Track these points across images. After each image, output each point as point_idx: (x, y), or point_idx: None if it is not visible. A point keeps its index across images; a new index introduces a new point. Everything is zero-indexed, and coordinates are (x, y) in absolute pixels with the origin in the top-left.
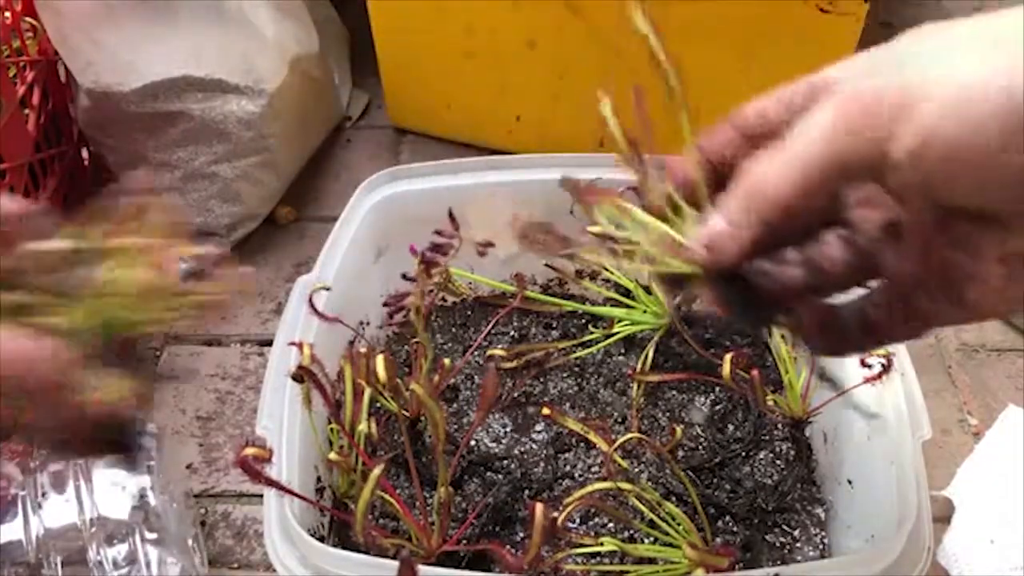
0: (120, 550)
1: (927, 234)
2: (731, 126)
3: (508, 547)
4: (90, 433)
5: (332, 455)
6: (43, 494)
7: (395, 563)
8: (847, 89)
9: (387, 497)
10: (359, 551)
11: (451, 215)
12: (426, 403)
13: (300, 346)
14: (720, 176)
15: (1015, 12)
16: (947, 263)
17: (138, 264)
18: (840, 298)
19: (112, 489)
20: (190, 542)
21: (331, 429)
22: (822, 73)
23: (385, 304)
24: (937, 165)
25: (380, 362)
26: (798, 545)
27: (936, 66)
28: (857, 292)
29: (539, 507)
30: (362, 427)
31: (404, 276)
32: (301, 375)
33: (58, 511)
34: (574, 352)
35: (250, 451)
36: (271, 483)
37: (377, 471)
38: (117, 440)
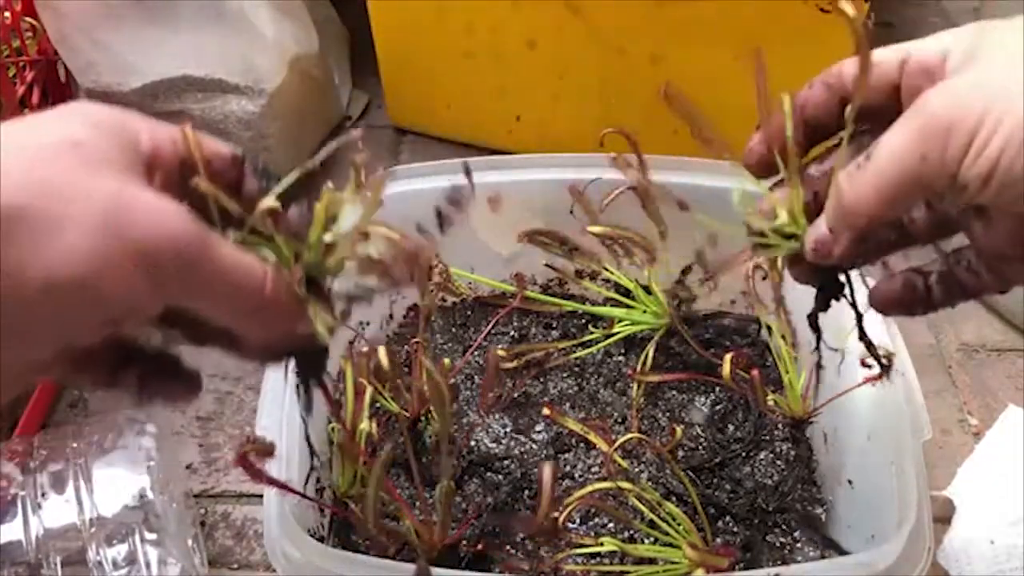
0: (120, 550)
1: (1007, 224)
2: (824, 84)
3: (508, 548)
4: (300, 350)
5: (337, 438)
6: (43, 494)
7: (394, 563)
8: (926, 110)
9: (388, 496)
10: (359, 551)
11: (466, 168)
12: (442, 385)
13: None
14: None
15: None
16: None
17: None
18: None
19: (112, 489)
20: (190, 542)
21: (331, 429)
22: (917, 48)
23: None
24: (1002, 189)
25: (382, 352)
26: (798, 545)
27: (1003, 96)
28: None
29: (547, 468)
30: (363, 426)
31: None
32: None
33: (58, 511)
34: (574, 352)
35: (249, 447)
36: (271, 482)
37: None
38: (316, 364)
